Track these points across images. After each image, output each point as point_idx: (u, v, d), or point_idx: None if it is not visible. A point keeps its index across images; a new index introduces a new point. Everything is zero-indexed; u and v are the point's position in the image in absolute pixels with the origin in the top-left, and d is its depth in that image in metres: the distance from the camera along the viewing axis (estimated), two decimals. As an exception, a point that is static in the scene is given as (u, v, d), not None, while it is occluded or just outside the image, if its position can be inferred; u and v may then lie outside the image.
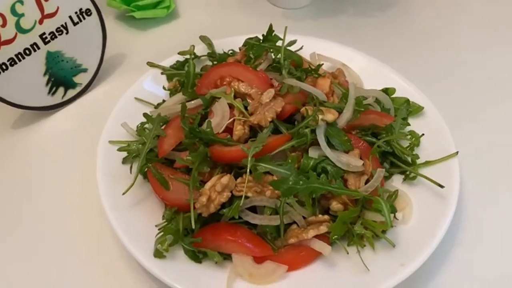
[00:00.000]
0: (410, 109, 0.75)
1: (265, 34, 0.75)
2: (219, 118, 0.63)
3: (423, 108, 0.74)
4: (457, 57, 0.94)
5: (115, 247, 0.65)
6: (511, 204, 0.71)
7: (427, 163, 0.68)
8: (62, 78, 0.82)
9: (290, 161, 0.60)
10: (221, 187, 0.59)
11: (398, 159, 0.69)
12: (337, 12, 1.04)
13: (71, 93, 0.84)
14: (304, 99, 0.66)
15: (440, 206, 0.63)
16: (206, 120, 0.62)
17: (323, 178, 0.59)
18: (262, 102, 0.63)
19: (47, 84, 0.81)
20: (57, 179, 0.74)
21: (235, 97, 0.66)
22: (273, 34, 0.75)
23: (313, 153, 0.61)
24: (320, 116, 0.62)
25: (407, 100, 0.75)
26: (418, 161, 0.69)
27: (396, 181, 0.69)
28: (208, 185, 0.59)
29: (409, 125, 0.73)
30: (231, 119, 0.63)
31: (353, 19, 1.03)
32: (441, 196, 0.64)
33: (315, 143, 0.63)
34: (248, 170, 0.58)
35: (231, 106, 0.65)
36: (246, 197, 0.59)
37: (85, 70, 0.85)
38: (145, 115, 0.67)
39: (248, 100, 0.66)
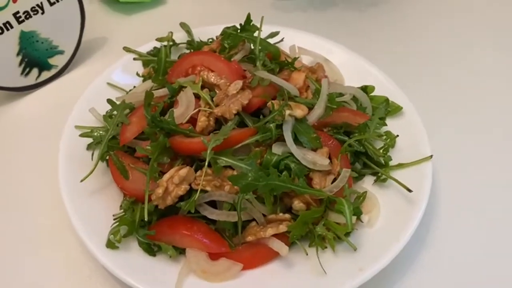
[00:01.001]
0: (388, 108, 0.72)
1: (242, 23, 0.72)
2: (183, 108, 0.61)
3: (401, 108, 0.72)
4: (446, 58, 0.91)
5: (74, 236, 0.64)
6: (484, 211, 0.69)
7: (400, 166, 0.66)
8: (36, 59, 0.80)
9: (252, 156, 0.57)
10: (179, 179, 0.57)
11: (371, 160, 0.67)
12: (328, 5, 1.01)
13: (46, 74, 0.83)
14: (274, 93, 0.64)
15: (407, 211, 0.61)
16: (170, 110, 0.60)
17: (285, 176, 0.57)
18: (229, 94, 0.61)
19: (20, 64, 0.79)
20: (20, 162, 0.73)
21: (203, 87, 0.64)
22: (251, 23, 0.72)
23: (277, 149, 0.59)
24: (288, 111, 0.60)
25: (387, 99, 0.73)
26: (392, 163, 0.67)
27: (368, 182, 0.67)
28: (165, 176, 0.57)
29: (385, 125, 0.71)
30: (196, 110, 0.61)
31: (343, 13, 1.00)
32: (410, 200, 0.62)
33: (281, 138, 0.60)
34: (207, 163, 0.56)
35: (198, 97, 0.63)
36: (205, 191, 0.58)
37: (61, 52, 0.83)
38: (109, 101, 0.65)
39: (217, 91, 0.64)
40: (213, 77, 0.64)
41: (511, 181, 0.72)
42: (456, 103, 0.83)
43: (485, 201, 0.70)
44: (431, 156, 0.65)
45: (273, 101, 0.60)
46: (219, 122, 0.62)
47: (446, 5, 1.01)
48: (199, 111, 0.61)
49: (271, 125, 0.59)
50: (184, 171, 0.57)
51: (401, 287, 0.61)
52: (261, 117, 0.62)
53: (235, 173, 0.58)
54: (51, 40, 0.81)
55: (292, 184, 0.57)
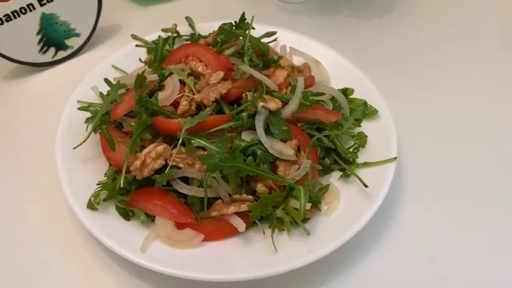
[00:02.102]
0: (366, 111, 0.77)
1: (237, 21, 0.79)
2: (169, 92, 0.68)
3: (377, 111, 0.76)
4: (443, 75, 0.93)
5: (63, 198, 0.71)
6: (447, 215, 0.72)
7: (366, 164, 0.71)
8: (54, 39, 0.89)
9: (223, 140, 0.63)
10: (156, 154, 0.63)
11: (340, 157, 0.72)
12: (333, 11, 1.06)
13: (62, 54, 0.91)
14: (254, 86, 0.70)
15: (364, 205, 0.66)
16: (156, 92, 0.67)
17: (250, 161, 0.62)
18: (210, 83, 0.67)
19: (39, 42, 0.88)
20: (31, 129, 0.81)
21: (190, 75, 0.71)
22: (245, 22, 0.79)
23: (246, 136, 0.65)
24: (261, 103, 0.66)
25: (365, 103, 0.77)
26: (359, 161, 0.72)
27: (335, 177, 0.72)
28: (144, 150, 0.64)
29: (360, 126, 0.75)
30: (180, 95, 0.68)
31: (347, 19, 1.04)
32: (369, 196, 0.67)
33: (254, 127, 0.66)
34: (180, 141, 0.63)
35: (184, 83, 0.70)
36: (178, 168, 0.64)
37: (77, 35, 0.92)
38: (106, 80, 0.73)
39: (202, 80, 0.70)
40: (200, 67, 0.71)
41: (478, 189, 0.76)
42: (435, 114, 0.86)
43: (450, 204, 0.74)
44: (395, 158, 0.70)
45: (247, 92, 0.66)
46: (200, 108, 0.69)
47: (451, 23, 1.04)
48: (182, 95, 0.68)
49: (243, 114, 0.65)
50: (161, 147, 0.64)
51: (351, 272, 0.66)
52: (235, 106, 0.68)
53: (206, 153, 0.64)
54: (69, 23, 0.89)
55: (256, 168, 0.63)
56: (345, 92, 0.78)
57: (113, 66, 0.82)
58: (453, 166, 0.79)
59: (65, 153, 0.70)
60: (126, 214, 0.65)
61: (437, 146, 0.81)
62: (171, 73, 0.70)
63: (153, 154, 0.63)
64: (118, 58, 0.84)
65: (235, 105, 0.68)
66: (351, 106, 0.77)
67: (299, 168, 0.66)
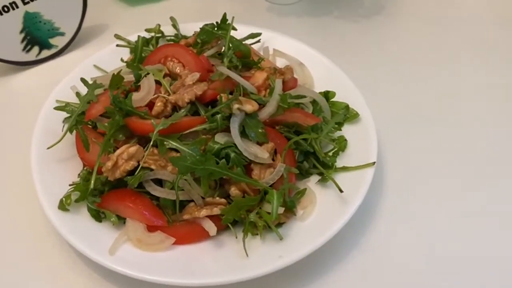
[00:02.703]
0: (347, 115, 0.76)
1: (218, 22, 0.78)
2: (144, 92, 0.67)
3: (358, 115, 0.75)
4: (423, 79, 0.91)
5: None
6: (427, 223, 0.71)
7: (344, 169, 0.69)
8: (38, 38, 0.89)
9: (195, 142, 0.63)
10: (128, 155, 0.63)
11: (318, 161, 0.71)
12: (323, 13, 1.05)
13: (46, 53, 0.91)
14: (232, 88, 0.69)
15: (339, 210, 0.64)
16: (130, 93, 0.67)
17: (222, 163, 0.62)
18: (185, 84, 0.66)
19: (22, 41, 0.87)
20: (11, 127, 0.81)
21: (168, 75, 0.70)
22: (227, 22, 0.78)
23: (220, 138, 0.64)
24: (237, 106, 0.65)
25: (347, 106, 0.76)
26: (338, 165, 0.70)
27: (313, 181, 0.70)
28: (117, 152, 0.63)
29: (340, 130, 0.74)
30: (155, 95, 0.67)
31: (335, 21, 1.03)
32: (345, 201, 0.65)
33: (229, 130, 0.65)
34: (151, 142, 0.62)
35: (161, 84, 0.69)
36: (150, 169, 0.63)
37: (62, 34, 0.91)
38: (82, 79, 0.72)
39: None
40: (177, 68, 0.70)
41: (461, 192, 0.74)
42: (417, 118, 0.85)
43: (430, 213, 0.72)
44: (374, 163, 0.68)
45: (222, 94, 0.65)
46: (176, 109, 0.68)
47: (440, 30, 1.02)
48: (158, 96, 0.67)
49: (217, 116, 0.64)
50: (134, 149, 0.63)
51: (325, 277, 0.64)
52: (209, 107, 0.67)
53: (179, 155, 0.63)
54: (53, 22, 0.89)
55: (229, 171, 0.62)
56: (327, 95, 0.77)
57: (94, 66, 0.82)
58: (436, 169, 0.77)
59: (40, 153, 0.69)
60: (98, 215, 0.64)
61: (419, 149, 0.80)
62: (147, 74, 0.70)
63: (125, 155, 0.63)
64: (101, 58, 0.83)
65: (210, 107, 0.67)
66: (332, 110, 0.76)
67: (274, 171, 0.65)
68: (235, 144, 0.64)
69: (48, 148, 0.68)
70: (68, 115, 0.74)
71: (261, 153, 0.64)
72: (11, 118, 0.83)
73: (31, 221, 0.69)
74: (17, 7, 0.84)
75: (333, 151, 0.72)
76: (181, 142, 0.63)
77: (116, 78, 0.67)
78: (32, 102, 0.84)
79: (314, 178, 0.71)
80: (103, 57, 0.83)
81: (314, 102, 0.76)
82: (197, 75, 0.67)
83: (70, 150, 0.71)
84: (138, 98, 0.67)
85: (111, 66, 0.82)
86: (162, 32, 0.86)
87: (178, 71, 0.70)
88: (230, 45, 0.75)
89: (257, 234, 0.63)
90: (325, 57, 0.84)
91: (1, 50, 0.86)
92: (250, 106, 0.66)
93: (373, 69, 0.92)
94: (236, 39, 0.77)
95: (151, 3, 1.06)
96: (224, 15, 0.78)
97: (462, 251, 0.68)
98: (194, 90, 0.66)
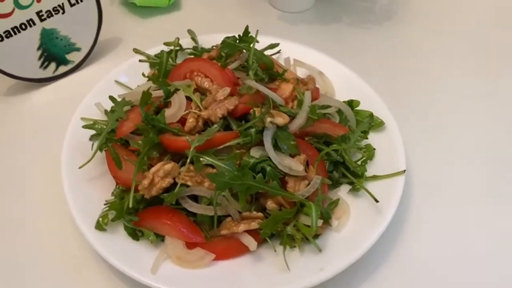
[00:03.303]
0: (372, 123, 0.76)
1: (240, 34, 0.78)
2: (175, 108, 0.67)
3: (384, 123, 0.76)
4: (440, 84, 0.93)
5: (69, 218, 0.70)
6: (456, 228, 0.72)
7: (375, 177, 0.70)
8: (55, 54, 0.88)
9: (231, 157, 0.63)
10: (164, 173, 0.63)
11: (348, 170, 0.71)
12: (334, 20, 1.06)
13: (63, 69, 0.90)
14: (261, 101, 0.70)
15: (374, 220, 0.65)
16: (162, 110, 0.67)
17: (259, 178, 0.62)
18: (216, 99, 0.67)
19: (39, 58, 0.87)
20: (32, 146, 0.80)
21: (196, 91, 0.70)
22: (248, 35, 0.78)
23: (255, 152, 0.64)
24: (269, 119, 0.65)
25: (371, 114, 0.77)
26: (368, 174, 0.71)
27: (343, 191, 0.71)
28: (152, 169, 0.63)
29: (367, 138, 0.75)
30: (187, 111, 0.67)
31: (347, 28, 1.04)
32: (379, 210, 0.66)
33: (262, 143, 0.66)
34: (189, 160, 0.62)
35: (190, 99, 0.69)
36: (187, 186, 0.63)
37: (78, 49, 0.91)
38: (110, 97, 0.72)
39: (208, 96, 0.69)
40: (206, 83, 0.70)
41: (488, 196, 0.76)
42: (439, 124, 0.86)
43: (457, 219, 0.73)
44: (404, 171, 0.69)
45: (255, 108, 0.65)
46: (207, 124, 0.68)
47: (452, 35, 1.03)
48: (189, 112, 0.67)
49: (251, 130, 0.64)
50: (169, 166, 0.63)
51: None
52: (243, 122, 0.67)
53: (215, 171, 0.63)
54: (69, 37, 0.88)
55: (266, 185, 0.62)
56: (351, 104, 0.78)
57: (116, 81, 0.82)
58: (461, 175, 0.78)
59: (70, 173, 0.69)
60: (135, 234, 0.64)
61: (444, 154, 0.81)
62: (176, 90, 0.70)
63: (161, 173, 0.63)
64: (120, 73, 0.83)
65: (242, 121, 0.67)
66: (357, 118, 0.77)
67: (309, 183, 0.66)
68: (269, 158, 0.65)
69: (80, 167, 0.68)
70: (95, 132, 0.74)
71: (296, 165, 0.65)
72: (35, 136, 0.82)
73: (66, 242, 0.68)
74: (34, 24, 0.84)
75: (361, 160, 0.73)
76: (216, 158, 0.63)
77: (146, 95, 0.67)
78: (53, 119, 0.84)
79: (344, 188, 0.72)
80: (123, 72, 0.83)
81: (339, 112, 0.76)
82: (228, 89, 0.67)
83: (100, 168, 0.71)
84: (170, 115, 0.67)
85: (131, 81, 0.82)
86: (180, 45, 0.86)
87: (207, 86, 0.70)
88: (254, 57, 0.75)
89: (294, 247, 0.64)
90: (343, 65, 0.85)
91: (19, 68, 0.85)
92: (281, 119, 0.66)
93: (387, 74, 0.93)
94: (258, 51, 0.77)
95: (161, 14, 1.06)
96: (246, 27, 0.78)
97: (499, 255, 0.69)
98: (226, 105, 0.66)
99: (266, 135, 0.65)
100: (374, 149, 0.73)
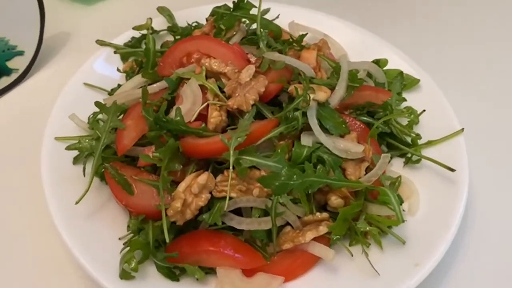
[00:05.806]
0: (404, 82, 0.66)
1: (235, 1, 0.64)
2: (189, 103, 0.52)
3: (419, 80, 0.66)
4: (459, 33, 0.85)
5: (72, 268, 0.53)
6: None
7: (430, 143, 0.60)
8: (-8, 63, 0.69)
9: (279, 151, 0.49)
10: (199, 187, 0.48)
11: (397, 140, 0.60)
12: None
13: (6, 81, 0.72)
14: (289, 77, 0.56)
15: (450, 192, 0.55)
16: (174, 107, 0.51)
17: (320, 170, 0.49)
18: (241, 82, 0.52)
19: (-27, 71, 0.67)
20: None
21: (206, 77, 0.55)
22: (245, 1, 0.64)
23: (306, 140, 0.51)
24: (312, 95, 0.52)
25: (401, 73, 0.67)
26: (419, 142, 0.61)
27: (396, 166, 0.60)
28: (182, 186, 0.48)
29: (405, 100, 0.64)
30: (205, 104, 0.52)
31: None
32: (450, 180, 0.56)
33: (305, 128, 0.53)
34: (231, 165, 0.47)
35: (203, 89, 0.54)
36: (230, 198, 0.49)
37: (21, 53, 0.72)
38: (97, 103, 0.55)
39: (223, 80, 0.55)
40: (216, 65, 0.55)
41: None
42: (473, 71, 0.78)
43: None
44: (463, 129, 0.60)
45: (295, 85, 0.52)
46: (231, 116, 0.54)
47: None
48: (208, 105, 0.52)
49: (296, 113, 0.51)
50: (203, 177, 0.48)
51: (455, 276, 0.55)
52: (283, 105, 0.53)
53: (262, 173, 0.49)
54: (7, 39, 0.70)
55: (329, 178, 0.50)
56: (378, 64, 0.67)
57: (85, 84, 0.64)
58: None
59: (62, 213, 0.52)
60: (173, 273, 0.49)
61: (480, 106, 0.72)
62: (182, 80, 0.54)
63: (194, 189, 0.48)
64: (87, 73, 0.66)
65: (283, 104, 0.54)
66: (387, 80, 0.66)
67: (368, 166, 0.54)
68: (320, 144, 0.52)
69: (77, 202, 0.51)
70: (78, 153, 0.56)
71: (354, 147, 0.53)
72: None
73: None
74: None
75: (407, 126, 0.62)
76: (261, 156, 0.49)
77: (145, 93, 0.51)
78: (8, 144, 0.65)
79: (396, 162, 0.61)
80: (90, 72, 0.66)
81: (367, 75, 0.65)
82: (252, 68, 0.53)
83: (96, 197, 0.54)
84: (184, 112, 0.51)
85: (104, 80, 0.65)
86: (152, 28, 0.70)
87: (218, 68, 0.55)
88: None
89: (370, 245, 0.52)
90: (354, 24, 0.73)
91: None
92: (323, 94, 0.54)
93: (397, 28, 0.82)
94: (263, 18, 0.63)
95: (108, -2, 0.88)
96: (240, -7, 0.64)
97: None
98: (255, 88, 0.52)
99: (310, 116, 0.52)
100: (424, 110, 0.62)
